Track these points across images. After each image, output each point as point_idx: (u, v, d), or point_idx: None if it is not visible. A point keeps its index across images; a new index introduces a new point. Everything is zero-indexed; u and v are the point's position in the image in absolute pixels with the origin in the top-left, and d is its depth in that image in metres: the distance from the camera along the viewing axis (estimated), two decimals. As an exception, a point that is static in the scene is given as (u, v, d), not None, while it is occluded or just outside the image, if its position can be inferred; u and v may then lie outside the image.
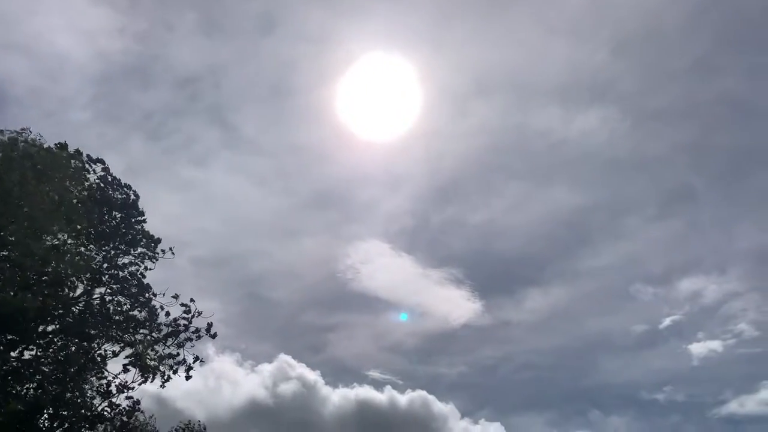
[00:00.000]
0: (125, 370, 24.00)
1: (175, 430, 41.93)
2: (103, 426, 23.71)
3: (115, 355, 23.50)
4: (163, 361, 23.90)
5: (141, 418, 34.32)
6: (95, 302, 24.88)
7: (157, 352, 24.14)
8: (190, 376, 23.59)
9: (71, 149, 25.67)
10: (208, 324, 24.77)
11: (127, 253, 25.58)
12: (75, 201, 25.04)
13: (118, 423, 24.01)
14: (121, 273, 25.25)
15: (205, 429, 42.94)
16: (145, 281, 25.64)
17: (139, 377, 23.58)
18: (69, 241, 25.48)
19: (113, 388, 23.39)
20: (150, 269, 25.92)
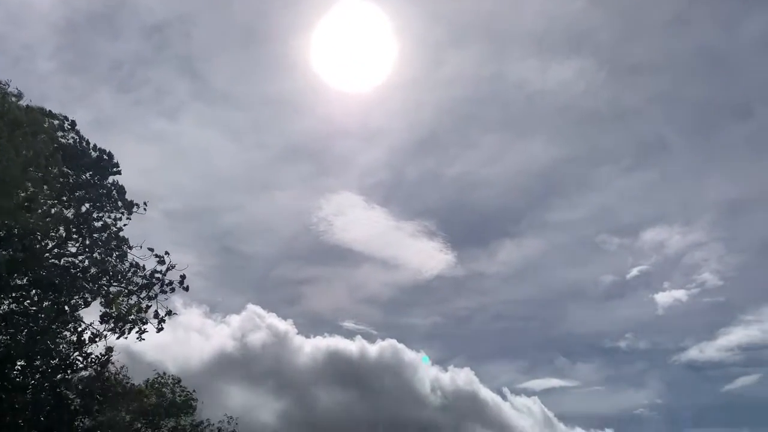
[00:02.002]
0: (101, 321, 24.53)
1: (149, 381, 42.91)
2: (77, 375, 24.37)
3: (87, 305, 23.98)
4: (136, 313, 24.48)
5: (113, 369, 35.15)
6: (68, 256, 25.23)
7: (130, 304, 24.69)
8: (162, 328, 24.22)
9: (38, 102, 25.74)
10: (181, 277, 25.28)
11: (100, 208, 25.81)
12: (47, 157, 25.10)
13: (93, 372, 24.67)
14: (94, 226, 25.50)
15: (179, 381, 43.97)
16: (120, 234, 25.94)
17: (113, 330, 24.14)
18: (41, 196, 25.66)
19: (86, 338, 23.97)
20: (125, 225, 26.20)
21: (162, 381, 43.76)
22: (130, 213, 26.43)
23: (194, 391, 44.76)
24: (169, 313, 24.44)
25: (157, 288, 24.84)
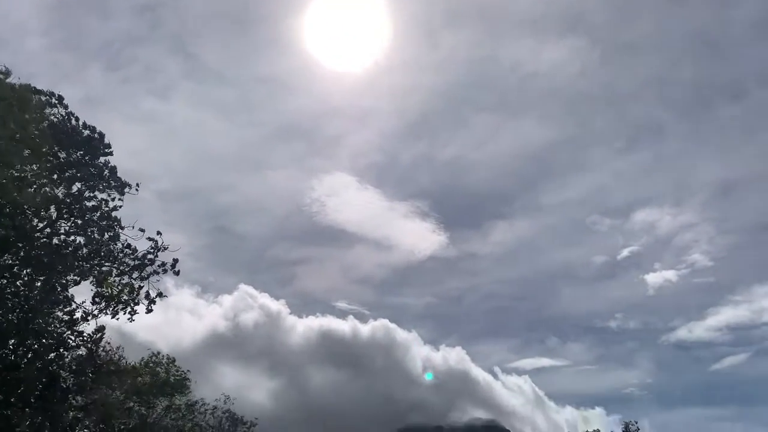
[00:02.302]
0: (93, 301, 24.49)
1: (144, 361, 43.09)
2: (69, 354, 24.40)
3: (77, 283, 23.92)
4: (128, 294, 24.44)
5: (106, 348, 35.21)
6: (60, 235, 25.09)
7: (121, 285, 24.64)
8: (152, 309, 24.22)
9: (28, 80, 25.38)
10: (173, 260, 25.20)
11: (92, 187, 25.60)
12: (38, 135, 24.83)
13: (85, 351, 24.71)
14: (86, 206, 25.31)
15: (174, 361, 44.20)
16: (113, 215, 25.76)
17: (104, 310, 24.11)
18: (32, 174, 25.43)
19: (78, 317, 23.95)
20: (118, 205, 26.00)
21: (156, 360, 44.01)
22: (122, 193, 26.21)
23: (188, 371, 45.03)
24: (160, 294, 24.40)
25: (149, 269, 24.76)
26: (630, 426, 40.45)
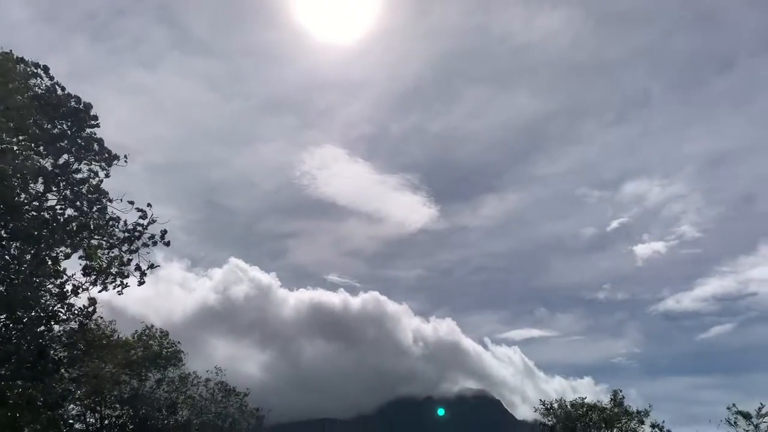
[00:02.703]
0: (83, 274, 24.36)
1: (137, 334, 43.19)
2: (60, 327, 24.37)
3: (67, 257, 23.75)
4: (118, 266, 24.32)
5: (98, 321, 35.22)
6: (48, 209, 24.80)
7: (111, 257, 24.49)
8: (144, 281, 24.12)
9: (14, 52, 24.71)
10: (162, 231, 25.00)
11: (79, 159, 25.22)
12: (22, 106, 24.35)
13: (76, 324, 24.67)
14: (74, 178, 24.97)
15: (167, 334, 44.34)
16: (101, 187, 25.45)
17: (94, 282, 24.01)
18: (17, 146, 25.01)
19: (68, 290, 23.84)
20: (106, 176, 25.64)
21: (149, 334, 44.18)
22: (110, 165, 25.85)
23: (179, 343, 45.23)
24: (152, 266, 24.29)
25: (138, 242, 24.59)
26: (617, 394, 41.30)
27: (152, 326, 43.64)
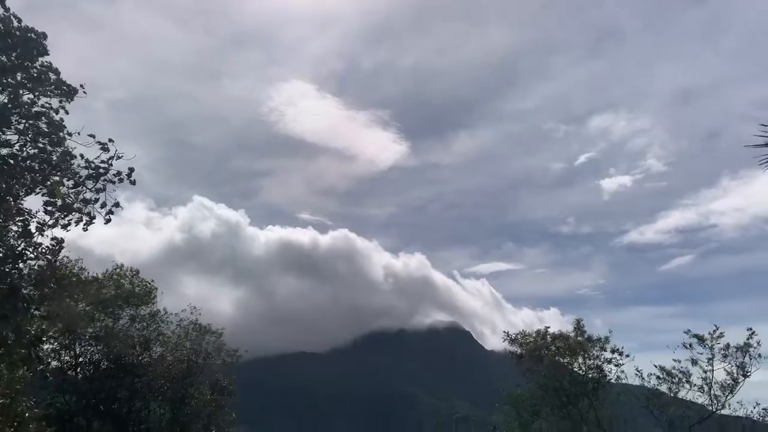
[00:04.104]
0: (45, 212, 23.69)
1: (107, 273, 42.96)
2: (27, 266, 23.96)
3: (28, 194, 23.03)
4: (82, 203, 23.71)
5: (65, 260, 34.81)
6: (6, 146, 23.74)
7: (73, 194, 23.82)
8: (110, 219, 23.57)
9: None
10: (129, 168, 24.31)
11: (33, 90, 23.93)
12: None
13: (44, 262, 24.26)
14: (31, 112, 23.76)
15: (138, 273, 44.22)
16: (60, 122, 24.31)
17: (57, 220, 23.41)
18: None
19: (33, 228, 23.26)
20: (65, 112, 24.44)
21: (120, 272, 44.09)
22: (69, 100, 24.62)
23: (153, 281, 45.24)
24: (117, 204, 23.73)
25: (103, 179, 23.89)
26: (580, 323, 43.30)
27: (122, 265, 43.40)
